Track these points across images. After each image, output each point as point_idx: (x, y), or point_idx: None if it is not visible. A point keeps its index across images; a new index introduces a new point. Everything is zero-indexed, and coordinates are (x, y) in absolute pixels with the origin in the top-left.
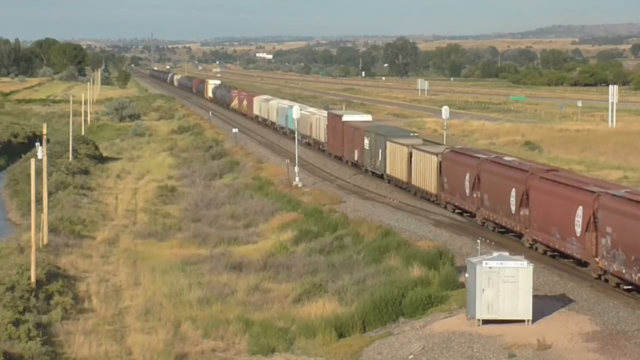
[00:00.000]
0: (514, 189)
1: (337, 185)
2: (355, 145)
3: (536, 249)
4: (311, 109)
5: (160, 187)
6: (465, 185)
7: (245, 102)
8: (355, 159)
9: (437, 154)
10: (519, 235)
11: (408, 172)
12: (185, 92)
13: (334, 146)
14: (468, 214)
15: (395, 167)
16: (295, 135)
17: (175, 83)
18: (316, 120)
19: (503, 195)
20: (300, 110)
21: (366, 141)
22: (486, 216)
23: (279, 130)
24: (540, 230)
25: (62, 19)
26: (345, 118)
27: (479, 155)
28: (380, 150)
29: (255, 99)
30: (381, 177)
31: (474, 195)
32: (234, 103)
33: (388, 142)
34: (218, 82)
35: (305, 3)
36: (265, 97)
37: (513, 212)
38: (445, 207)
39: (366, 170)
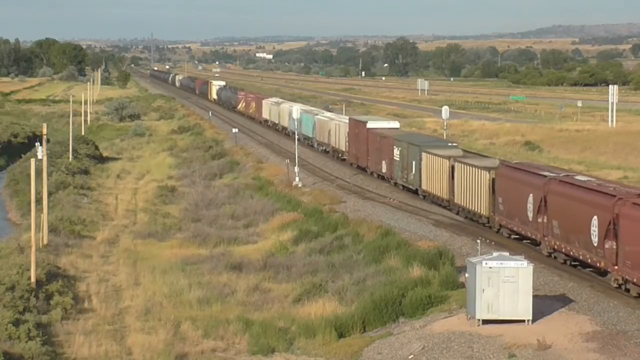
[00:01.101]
0: (595, 217)
1: (337, 185)
2: (382, 156)
3: (628, 290)
4: (329, 114)
5: (160, 187)
6: (527, 208)
7: (253, 105)
8: (383, 170)
9: (489, 169)
10: (603, 273)
11: (450, 188)
12: (188, 93)
13: (357, 156)
14: (530, 242)
15: (433, 182)
16: (295, 135)
17: (177, 84)
18: (336, 126)
19: (581, 223)
20: (317, 115)
21: (396, 151)
22: (556, 246)
23: (291, 136)
24: (637, 269)
25: (62, 19)
26: (370, 125)
27: (545, 173)
28: (414, 163)
29: (264, 101)
30: (415, 192)
31: (539, 220)
32: (241, 105)
33: (424, 154)
34: (223, 83)
35: (305, 3)
36: (276, 99)
37: (595, 244)
38: (499, 231)
39: (396, 183)
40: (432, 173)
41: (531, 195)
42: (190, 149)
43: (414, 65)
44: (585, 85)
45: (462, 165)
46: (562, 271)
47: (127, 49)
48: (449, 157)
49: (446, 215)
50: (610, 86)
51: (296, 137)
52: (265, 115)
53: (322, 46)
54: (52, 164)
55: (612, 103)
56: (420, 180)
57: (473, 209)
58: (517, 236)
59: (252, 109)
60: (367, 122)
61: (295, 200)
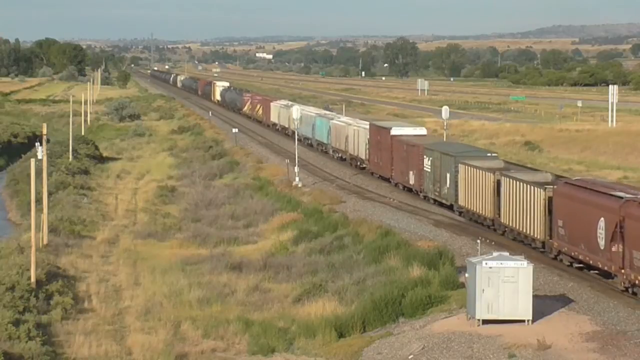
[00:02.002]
0: None
1: (337, 185)
2: (410, 166)
3: None
4: (346, 119)
5: (160, 187)
6: (597, 235)
7: (260, 108)
8: (411, 182)
9: (544, 186)
10: None
11: (495, 206)
12: (190, 94)
13: (380, 165)
14: (599, 272)
15: (473, 197)
16: (295, 134)
17: (179, 84)
18: (354, 132)
19: None
20: (333, 119)
21: (427, 162)
22: (637, 281)
23: (303, 141)
24: None
25: (62, 19)
26: (395, 131)
27: (619, 194)
28: (448, 175)
29: (273, 104)
30: (450, 207)
31: (613, 249)
32: (247, 108)
33: (461, 165)
34: (227, 83)
35: (305, 3)
36: (285, 102)
37: None
38: (557, 258)
39: (426, 197)
40: (472, 188)
41: (602, 219)
42: (190, 149)
43: (414, 65)
44: (585, 85)
45: (511, 180)
46: (562, 271)
47: (127, 49)
48: (493, 170)
49: (446, 215)
50: (610, 86)
51: (296, 137)
52: (273, 118)
53: (322, 46)
54: (52, 164)
55: (612, 103)
56: (457, 195)
57: (524, 231)
58: (581, 265)
59: (259, 112)
60: (391, 128)
61: (295, 200)
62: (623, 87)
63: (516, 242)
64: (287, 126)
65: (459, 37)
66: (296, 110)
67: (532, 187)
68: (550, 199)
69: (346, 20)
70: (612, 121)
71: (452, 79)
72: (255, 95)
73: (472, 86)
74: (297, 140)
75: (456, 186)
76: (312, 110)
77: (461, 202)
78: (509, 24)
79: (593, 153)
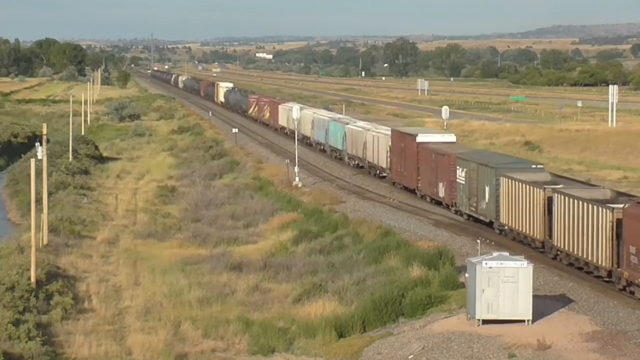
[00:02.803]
0: None
1: (337, 185)
2: (439, 177)
3: None
4: (363, 123)
5: (160, 187)
6: None
7: (267, 110)
8: (440, 195)
9: (610, 207)
10: None
11: (545, 226)
12: (192, 95)
13: (403, 175)
14: None
15: (518, 215)
16: (295, 134)
17: (180, 85)
18: (373, 138)
19: None
20: (348, 124)
21: (461, 173)
22: None
23: (314, 147)
24: None
25: (62, 19)
26: (421, 138)
27: None
28: (487, 189)
29: (281, 107)
30: (488, 225)
31: None
32: (253, 110)
33: (504, 179)
34: (230, 84)
35: (305, 3)
36: (295, 105)
37: None
38: (627, 289)
39: (458, 212)
40: (517, 204)
41: None
42: (190, 149)
43: (414, 65)
44: (585, 85)
45: (567, 198)
46: (562, 271)
47: (127, 49)
48: (542, 186)
49: (446, 215)
50: (610, 86)
51: (296, 137)
52: (282, 122)
53: (322, 46)
54: (52, 164)
55: (612, 103)
56: (498, 212)
57: (584, 256)
58: None
59: (266, 115)
60: (416, 134)
61: (295, 200)
62: (623, 87)
63: (573, 267)
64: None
65: (459, 37)
66: (296, 110)
67: (594, 206)
68: (618, 222)
69: (346, 20)
70: (612, 121)
71: (452, 79)
72: (262, 97)
73: (472, 86)
74: (308, 144)
75: (497, 202)
76: (325, 114)
77: (503, 219)
78: (509, 24)
79: (593, 153)
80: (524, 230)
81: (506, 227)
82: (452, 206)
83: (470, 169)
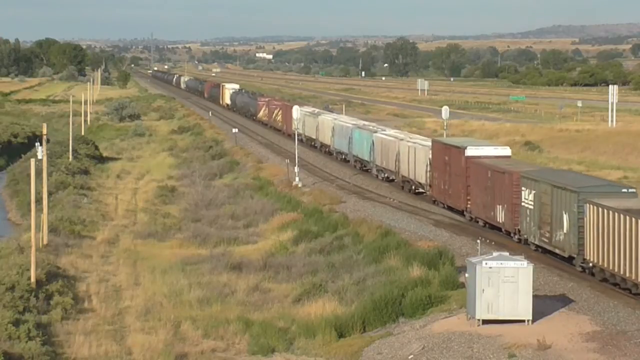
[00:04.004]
0: None
1: (337, 185)
2: (497, 199)
3: None
4: (394, 132)
5: (160, 187)
6: None
7: (278, 114)
8: (499, 220)
9: None
10: None
11: None
12: (195, 96)
13: (448, 193)
14: None
15: (609, 252)
16: (296, 135)
17: (183, 86)
18: (409, 150)
19: None
20: (377, 132)
21: (528, 195)
22: None
23: (335, 156)
24: None
25: (62, 19)
26: (471, 152)
27: None
28: (566, 217)
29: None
30: (567, 260)
31: None
32: (262, 114)
33: (590, 206)
34: (237, 86)
35: (305, 3)
36: (311, 109)
37: None
38: None
39: (522, 240)
40: (609, 238)
41: None
42: (190, 149)
43: (414, 65)
44: (585, 85)
45: None
46: (562, 271)
47: (127, 49)
48: None
49: (446, 215)
50: (610, 86)
51: (296, 137)
52: (298, 128)
53: (322, 46)
54: (52, 164)
55: (612, 103)
56: (581, 246)
57: None
58: None
59: (277, 119)
60: (465, 147)
61: (295, 200)
62: (623, 87)
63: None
64: (315, 137)
65: (459, 37)
66: (296, 110)
67: None
68: None
69: (346, 20)
70: (612, 121)
71: (452, 79)
72: (272, 100)
73: (472, 86)
74: (328, 153)
75: (580, 234)
76: (347, 120)
77: (589, 255)
78: (509, 24)
79: (593, 153)
80: (618, 271)
81: (594, 266)
82: (514, 234)
83: (542, 191)
